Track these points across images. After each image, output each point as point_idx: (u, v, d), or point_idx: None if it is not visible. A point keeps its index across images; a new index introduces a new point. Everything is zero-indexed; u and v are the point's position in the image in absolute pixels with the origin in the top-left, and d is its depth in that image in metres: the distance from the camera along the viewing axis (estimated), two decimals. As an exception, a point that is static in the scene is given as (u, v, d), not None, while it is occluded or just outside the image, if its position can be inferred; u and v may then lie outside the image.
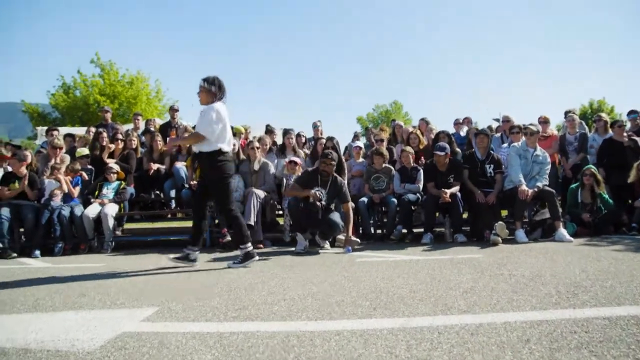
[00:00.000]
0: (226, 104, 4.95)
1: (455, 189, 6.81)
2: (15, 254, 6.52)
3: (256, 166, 7.40)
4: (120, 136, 8.41)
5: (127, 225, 8.57)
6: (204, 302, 3.19)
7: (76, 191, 7.26)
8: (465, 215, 7.22)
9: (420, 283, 3.59)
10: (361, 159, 8.19)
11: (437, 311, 2.72)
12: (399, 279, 3.80)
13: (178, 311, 2.97)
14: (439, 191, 6.74)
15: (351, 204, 6.42)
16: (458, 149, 8.16)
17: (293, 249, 6.33)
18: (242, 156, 7.68)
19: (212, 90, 4.83)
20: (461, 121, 10.11)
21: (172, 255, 5.11)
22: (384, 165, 7.55)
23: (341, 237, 6.34)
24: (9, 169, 7.46)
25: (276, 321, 2.66)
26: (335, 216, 6.19)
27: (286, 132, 8.60)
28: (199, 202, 5.17)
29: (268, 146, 8.29)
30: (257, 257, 5.07)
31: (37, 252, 6.61)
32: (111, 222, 7.04)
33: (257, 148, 7.48)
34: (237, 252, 6.30)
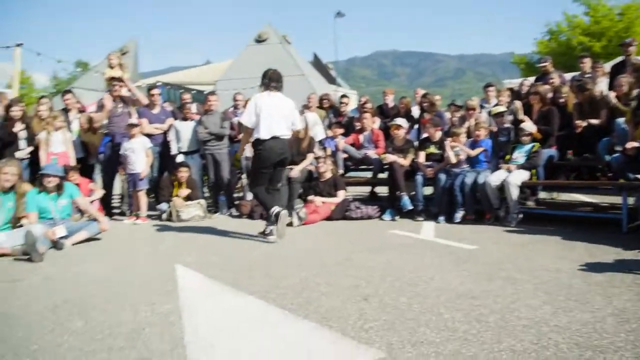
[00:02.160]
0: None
1: None
2: (395, 217, 6.92)
3: None
4: (539, 90, 7.11)
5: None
6: None
7: (483, 155, 6.74)
8: None
9: None
10: None
11: None
12: None
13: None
14: None
15: None
16: None
17: None
18: None
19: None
20: None
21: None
22: None
23: None
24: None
25: None
26: None
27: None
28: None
29: None
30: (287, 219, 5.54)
31: (441, 218, 6.59)
32: (515, 192, 6.12)
33: None
34: None
